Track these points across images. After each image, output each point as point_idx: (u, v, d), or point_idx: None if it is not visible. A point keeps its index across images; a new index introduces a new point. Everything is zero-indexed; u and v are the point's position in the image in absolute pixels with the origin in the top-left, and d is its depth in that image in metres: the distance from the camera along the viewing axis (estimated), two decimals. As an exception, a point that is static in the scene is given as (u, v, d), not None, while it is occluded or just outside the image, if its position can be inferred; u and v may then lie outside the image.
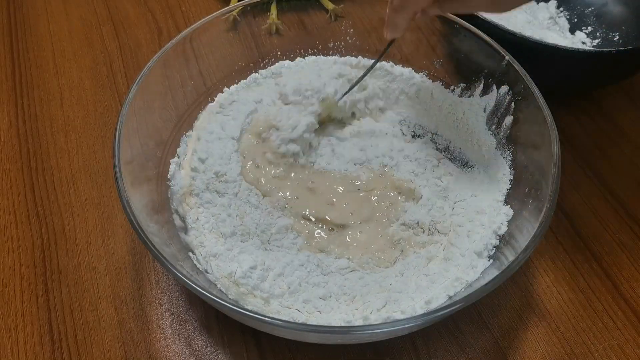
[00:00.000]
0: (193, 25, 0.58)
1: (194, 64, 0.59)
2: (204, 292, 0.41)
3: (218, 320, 0.52)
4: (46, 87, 0.71)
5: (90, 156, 0.64)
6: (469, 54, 0.60)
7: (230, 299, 0.48)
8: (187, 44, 0.57)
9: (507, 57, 0.55)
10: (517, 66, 0.55)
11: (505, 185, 0.56)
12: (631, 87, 0.71)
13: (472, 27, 0.59)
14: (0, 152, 0.65)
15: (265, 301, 0.49)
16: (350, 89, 0.59)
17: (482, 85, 0.60)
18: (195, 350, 0.51)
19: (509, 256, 0.47)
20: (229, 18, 0.62)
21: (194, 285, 0.42)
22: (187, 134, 0.59)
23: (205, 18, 0.59)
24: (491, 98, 0.59)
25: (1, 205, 0.60)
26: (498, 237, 0.52)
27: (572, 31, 0.75)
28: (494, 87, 0.58)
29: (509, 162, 0.57)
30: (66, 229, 0.58)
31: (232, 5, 0.68)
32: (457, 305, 0.42)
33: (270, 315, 0.45)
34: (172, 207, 0.54)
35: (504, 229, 0.52)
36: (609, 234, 0.59)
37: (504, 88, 0.57)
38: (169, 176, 0.56)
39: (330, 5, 0.66)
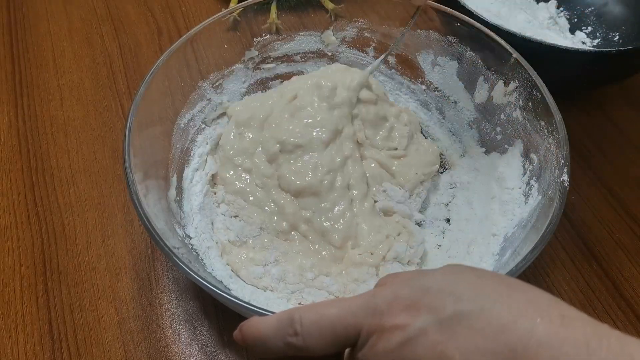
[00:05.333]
0: (195, 28, 0.58)
1: (193, 63, 0.59)
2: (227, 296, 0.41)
3: (218, 320, 0.52)
4: (46, 87, 0.71)
5: (90, 156, 0.64)
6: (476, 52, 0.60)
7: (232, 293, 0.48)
8: (187, 44, 0.57)
9: (514, 55, 0.55)
10: (525, 64, 0.54)
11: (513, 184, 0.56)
12: (631, 87, 0.71)
13: (478, 24, 0.58)
14: (0, 152, 0.65)
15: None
16: (379, 62, 0.59)
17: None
18: (195, 350, 0.51)
19: (512, 258, 0.47)
20: (229, 18, 0.62)
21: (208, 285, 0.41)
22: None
23: (206, 20, 0.59)
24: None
25: (1, 205, 0.60)
26: (504, 239, 0.52)
27: (572, 31, 0.75)
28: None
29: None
30: (66, 229, 0.58)
31: (232, 6, 0.68)
32: None
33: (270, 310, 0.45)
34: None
35: (510, 231, 0.52)
36: (609, 234, 0.59)
37: (513, 84, 0.56)
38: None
39: (330, 5, 0.66)
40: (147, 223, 0.44)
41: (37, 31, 0.77)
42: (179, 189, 0.56)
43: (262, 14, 0.64)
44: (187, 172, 0.58)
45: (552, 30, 0.74)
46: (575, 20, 0.76)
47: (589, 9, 0.76)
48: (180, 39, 0.56)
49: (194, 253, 0.51)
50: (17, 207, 0.60)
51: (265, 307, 0.40)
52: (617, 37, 0.72)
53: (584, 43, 0.74)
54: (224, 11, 0.61)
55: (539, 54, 0.58)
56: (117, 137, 0.66)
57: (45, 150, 0.65)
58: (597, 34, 0.74)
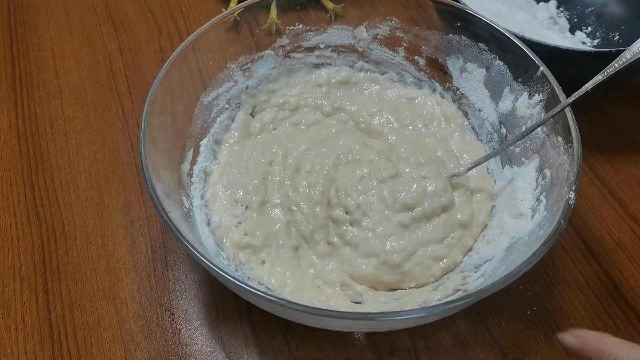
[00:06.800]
0: (197, 31, 0.58)
1: (193, 62, 0.59)
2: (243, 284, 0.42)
3: (218, 320, 0.52)
4: (46, 87, 0.71)
5: (90, 156, 0.64)
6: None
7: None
8: (188, 45, 0.57)
9: (541, 68, 0.54)
10: (550, 78, 0.54)
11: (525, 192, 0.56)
12: (631, 87, 0.71)
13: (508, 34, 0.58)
14: (0, 152, 0.65)
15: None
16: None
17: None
18: (194, 350, 0.51)
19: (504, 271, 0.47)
20: (229, 18, 0.62)
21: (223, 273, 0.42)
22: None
23: (208, 22, 0.59)
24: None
25: (1, 205, 0.60)
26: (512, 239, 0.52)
27: (572, 31, 0.75)
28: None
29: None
30: (66, 229, 0.58)
31: (232, 7, 0.68)
32: (465, 300, 0.41)
33: (275, 295, 0.45)
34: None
35: (519, 235, 0.51)
36: (609, 234, 0.59)
37: (537, 97, 0.56)
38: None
39: (330, 5, 0.66)
40: (160, 209, 0.45)
41: (37, 31, 0.77)
42: (193, 162, 0.58)
43: (262, 13, 0.65)
44: (202, 147, 0.60)
45: (552, 30, 0.74)
46: (575, 20, 0.76)
47: (589, 9, 0.76)
48: (183, 42, 0.57)
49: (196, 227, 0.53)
50: (17, 207, 0.60)
51: (283, 297, 0.40)
52: (617, 36, 0.72)
53: (584, 43, 0.74)
54: (224, 12, 0.61)
55: (538, 54, 0.57)
56: (117, 137, 0.66)
57: (45, 150, 0.65)
58: (597, 33, 0.74)
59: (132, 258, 0.56)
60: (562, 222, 0.44)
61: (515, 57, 0.57)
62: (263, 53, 0.64)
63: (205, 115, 0.61)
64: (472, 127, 0.64)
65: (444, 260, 0.53)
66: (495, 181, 0.60)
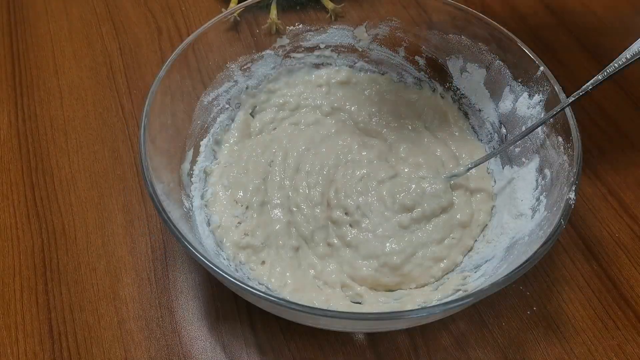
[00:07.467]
0: (197, 31, 0.58)
1: (193, 62, 0.59)
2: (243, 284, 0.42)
3: (219, 321, 0.52)
4: (46, 87, 0.71)
5: (90, 156, 0.64)
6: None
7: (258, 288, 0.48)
8: (188, 45, 0.57)
9: (541, 68, 0.54)
10: (550, 78, 0.54)
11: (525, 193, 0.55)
12: (631, 87, 0.71)
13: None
14: (0, 152, 0.65)
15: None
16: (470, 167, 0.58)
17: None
18: (194, 350, 0.51)
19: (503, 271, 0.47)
20: (229, 18, 0.62)
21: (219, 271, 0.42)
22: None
23: (208, 22, 0.59)
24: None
25: (1, 205, 0.60)
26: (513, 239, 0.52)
27: None
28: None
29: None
30: (66, 229, 0.58)
31: (232, 7, 0.68)
32: (468, 300, 0.41)
33: (275, 295, 0.45)
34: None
35: (519, 235, 0.52)
36: (609, 234, 0.59)
37: (537, 97, 0.56)
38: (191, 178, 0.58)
39: (330, 5, 0.66)
40: (160, 209, 0.45)
41: (37, 31, 0.77)
42: (193, 162, 0.58)
43: (262, 13, 0.65)
44: (203, 147, 0.60)
45: None
46: None
47: None
48: (183, 42, 0.57)
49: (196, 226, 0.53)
50: (17, 207, 0.60)
51: (283, 297, 0.40)
52: None
53: None
54: (224, 12, 0.61)
55: None
56: (117, 137, 0.66)
57: (45, 150, 0.65)
58: None
59: (132, 258, 0.56)
60: (562, 222, 0.44)
61: (515, 57, 0.57)
62: (263, 53, 0.64)
63: (205, 115, 0.61)
64: (472, 127, 0.64)
65: (444, 261, 0.53)
66: (495, 181, 0.60)
